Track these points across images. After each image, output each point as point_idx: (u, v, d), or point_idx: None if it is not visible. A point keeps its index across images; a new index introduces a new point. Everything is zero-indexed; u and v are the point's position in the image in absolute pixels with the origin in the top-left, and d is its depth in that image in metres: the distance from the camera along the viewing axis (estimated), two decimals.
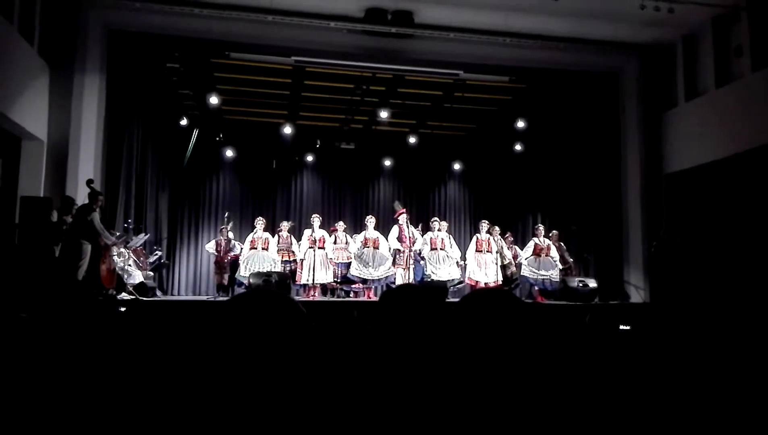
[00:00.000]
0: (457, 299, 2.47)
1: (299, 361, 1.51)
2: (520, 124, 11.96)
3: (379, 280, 10.24)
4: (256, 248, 10.44)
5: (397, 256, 10.33)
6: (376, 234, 10.52)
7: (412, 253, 10.27)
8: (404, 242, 10.28)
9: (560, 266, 10.82)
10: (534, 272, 10.66)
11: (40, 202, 7.79)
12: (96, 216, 7.76)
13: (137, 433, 1.61)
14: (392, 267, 10.30)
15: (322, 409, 1.43)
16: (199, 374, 1.68)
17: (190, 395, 1.61)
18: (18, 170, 8.59)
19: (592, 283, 10.30)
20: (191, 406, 1.56)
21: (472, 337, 1.45)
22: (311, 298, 10.05)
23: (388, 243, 10.44)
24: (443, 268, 10.26)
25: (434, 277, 10.11)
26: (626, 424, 1.62)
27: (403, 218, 10.47)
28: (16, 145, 8.61)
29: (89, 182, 8.02)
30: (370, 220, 10.69)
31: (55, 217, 7.75)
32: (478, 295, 1.64)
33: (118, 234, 8.95)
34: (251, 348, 1.53)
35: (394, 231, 10.46)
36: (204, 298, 11.33)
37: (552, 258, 10.75)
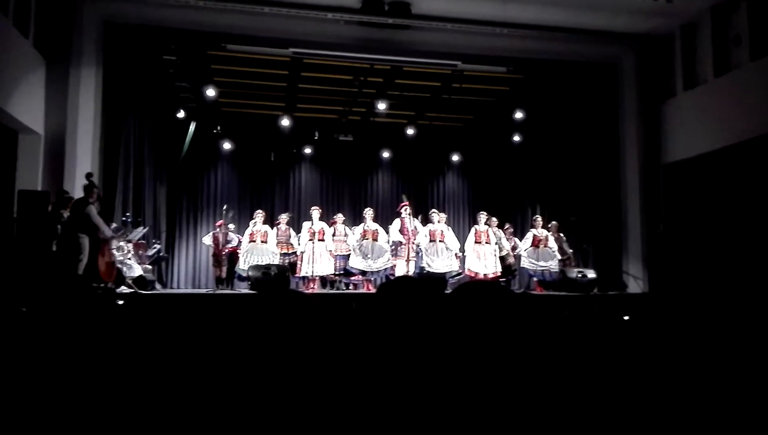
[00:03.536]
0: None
1: (315, 357, 1.51)
2: (519, 115, 11.94)
3: (378, 271, 10.25)
4: (255, 241, 10.44)
5: (399, 248, 10.34)
6: (375, 226, 10.52)
7: (413, 246, 10.28)
8: (406, 235, 10.28)
9: (559, 257, 10.83)
10: (533, 263, 10.69)
11: (37, 195, 7.77)
12: (93, 209, 7.72)
13: (137, 426, 1.61)
14: (392, 259, 10.31)
15: (323, 402, 1.43)
16: (201, 367, 1.68)
17: (190, 387, 1.60)
18: (15, 164, 8.57)
19: (591, 274, 10.32)
20: (191, 398, 1.56)
21: (465, 329, 1.44)
22: (311, 291, 10.06)
23: (390, 236, 10.45)
24: (441, 260, 10.26)
25: (430, 269, 10.12)
26: (621, 412, 1.62)
27: (405, 211, 10.48)
28: (13, 138, 8.59)
29: (89, 176, 8.00)
30: (369, 212, 10.68)
31: (49, 210, 7.73)
32: (469, 287, 1.64)
33: (115, 226, 8.93)
34: (269, 343, 1.53)
35: (396, 224, 10.47)
36: (203, 291, 11.34)
37: (550, 249, 10.76)
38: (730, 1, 9.57)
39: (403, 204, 10.69)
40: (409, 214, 10.49)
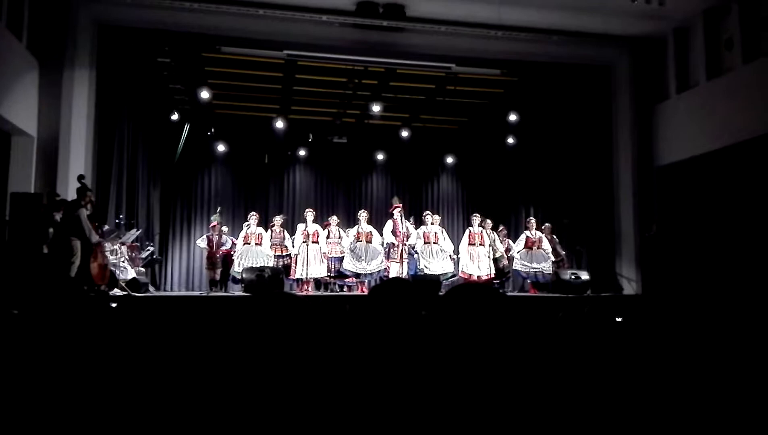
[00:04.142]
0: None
1: (305, 358, 1.51)
2: (512, 117, 11.96)
3: (372, 274, 10.24)
4: (249, 243, 10.42)
5: (391, 250, 10.33)
6: (369, 228, 10.51)
7: (405, 247, 10.28)
8: (398, 236, 10.28)
9: (552, 259, 10.85)
10: (526, 265, 10.70)
11: (30, 198, 7.73)
12: (83, 212, 7.68)
13: (131, 428, 1.61)
14: (385, 261, 10.30)
15: (317, 403, 1.43)
16: (195, 369, 1.68)
17: (185, 389, 1.60)
18: (8, 166, 8.54)
19: (585, 276, 10.33)
20: (185, 400, 1.56)
21: (457, 330, 1.45)
22: (305, 293, 10.04)
23: (383, 237, 10.44)
24: (436, 262, 10.27)
25: (427, 271, 10.13)
26: (615, 412, 1.63)
27: (397, 212, 10.48)
28: (5, 140, 8.56)
29: (80, 178, 7.97)
30: (363, 215, 10.68)
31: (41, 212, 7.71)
32: (463, 288, 1.65)
33: (107, 228, 8.91)
34: (262, 345, 1.53)
35: (389, 225, 10.47)
36: (197, 293, 11.31)
37: (544, 250, 10.78)
38: (722, 4, 9.62)
39: (394, 205, 10.70)
40: (401, 216, 10.50)
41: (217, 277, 10.75)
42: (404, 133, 12.87)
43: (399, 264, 10.18)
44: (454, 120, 13.70)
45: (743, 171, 9.18)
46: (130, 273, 9.28)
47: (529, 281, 10.84)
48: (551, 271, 10.66)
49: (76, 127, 9.01)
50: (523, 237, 10.97)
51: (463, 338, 1.48)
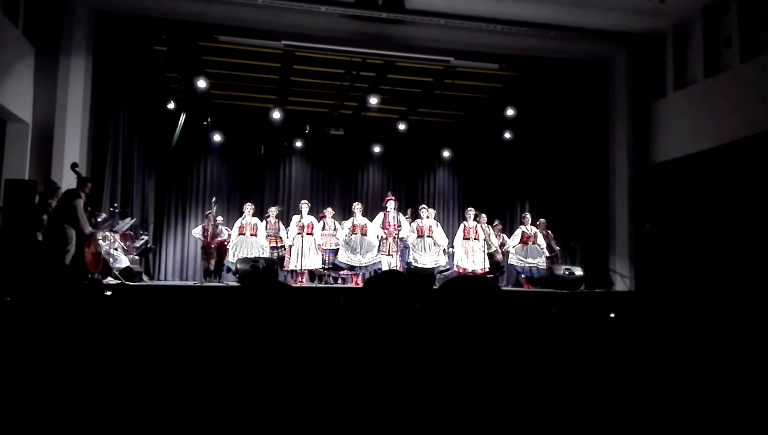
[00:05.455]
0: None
1: (297, 350, 1.50)
2: (510, 112, 11.96)
3: (366, 266, 10.24)
4: (244, 234, 10.40)
5: (381, 242, 10.33)
6: (364, 220, 10.51)
7: (396, 240, 10.28)
8: (387, 229, 10.28)
9: (547, 254, 10.89)
10: (521, 260, 10.74)
11: (25, 184, 7.70)
12: (80, 202, 7.63)
13: (123, 416, 1.61)
14: (379, 254, 10.31)
15: (310, 394, 1.43)
16: (188, 358, 1.68)
17: (177, 378, 1.60)
18: (3, 153, 8.50)
19: (578, 271, 10.37)
20: (177, 389, 1.56)
21: (452, 323, 1.45)
22: (299, 284, 10.04)
23: (371, 229, 10.45)
24: (427, 255, 10.25)
25: (416, 265, 10.13)
26: (607, 408, 1.63)
27: (390, 205, 10.47)
28: (0, 127, 8.51)
29: (74, 166, 7.93)
30: (358, 207, 10.67)
31: (36, 200, 7.65)
32: (458, 281, 1.65)
33: (104, 216, 8.87)
34: (255, 335, 1.52)
35: (378, 218, 10.47)
36: (191, 283, 11.30)
37: (539, 246, 10.82)
38: (722, 2, 9.62)
39: (388, 198, 10.69)
40: (395, 209, 10.49)
41: (212, 267, 10.74)
42: (401, 126, 12.85)
43: (388, 257, 10.18)
44: (451, 114, 13.70)
45: (739, 169, 9.20)
46: (124, 262, 9.25)
47: (523, 276, 10.88)
48: (545, 267, 10.70)
49: (72, 114, 8.96)
50: (518, 232, 11.00)
51: (458, 331, 1.48)
